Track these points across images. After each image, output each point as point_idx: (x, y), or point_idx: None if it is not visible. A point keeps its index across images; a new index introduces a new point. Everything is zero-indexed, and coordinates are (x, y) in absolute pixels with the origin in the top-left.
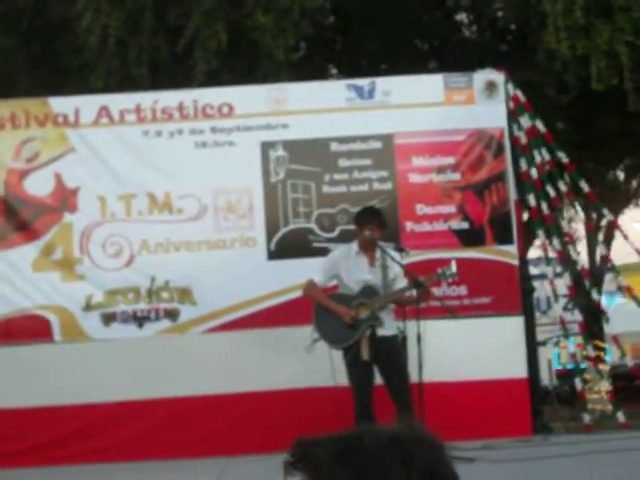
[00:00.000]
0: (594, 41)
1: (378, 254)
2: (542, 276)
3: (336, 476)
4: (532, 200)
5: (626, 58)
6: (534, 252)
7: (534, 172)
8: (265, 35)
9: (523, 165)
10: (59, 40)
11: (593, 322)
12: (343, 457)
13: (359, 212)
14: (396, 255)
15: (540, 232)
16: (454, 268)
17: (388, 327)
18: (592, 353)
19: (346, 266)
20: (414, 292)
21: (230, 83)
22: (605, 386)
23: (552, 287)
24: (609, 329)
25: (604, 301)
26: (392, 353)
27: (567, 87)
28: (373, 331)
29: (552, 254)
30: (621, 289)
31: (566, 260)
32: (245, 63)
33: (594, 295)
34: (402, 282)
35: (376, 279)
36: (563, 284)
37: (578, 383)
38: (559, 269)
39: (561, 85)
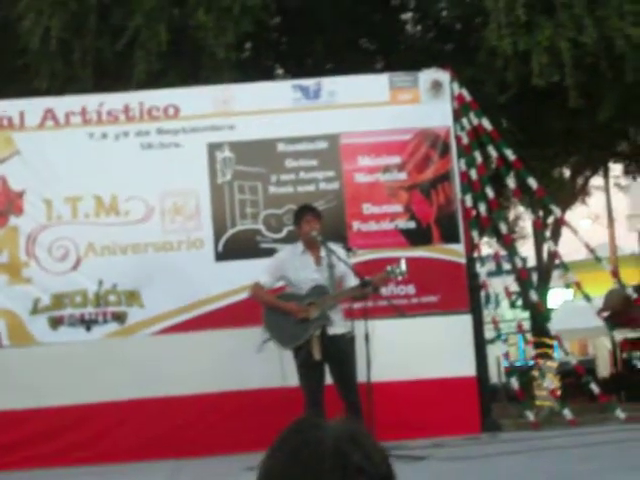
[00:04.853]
0: (536, 37)
1: (323, 253)
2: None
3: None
4: (469, 201)
5: (568, 54)
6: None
7: (473, 173)
8: (207, 34)
9: (462, 166)
10: (2, 42)
11: (540, 320)
12: None
13: (294, 212)
14: (342, 253)
15: (475, 233)
16: (404, 266)
17: (338, 326)
18: (536, 351)
19: (292, 266)
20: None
21: (176, 84)
22: (553, 383)
23: (485, 288)
24: (556, 326)
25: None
26: (342, 352)
27: (508, 85)
28: (323, 330)
29: (488, 253)
30: (569, 285)
31: (509, 260)
32: (189, 64)
33: (536, 294)
34: (351, 280)
35: (323, 278)
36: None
37: (514, 382)
38: (506, 267)
39: (503, 83)
